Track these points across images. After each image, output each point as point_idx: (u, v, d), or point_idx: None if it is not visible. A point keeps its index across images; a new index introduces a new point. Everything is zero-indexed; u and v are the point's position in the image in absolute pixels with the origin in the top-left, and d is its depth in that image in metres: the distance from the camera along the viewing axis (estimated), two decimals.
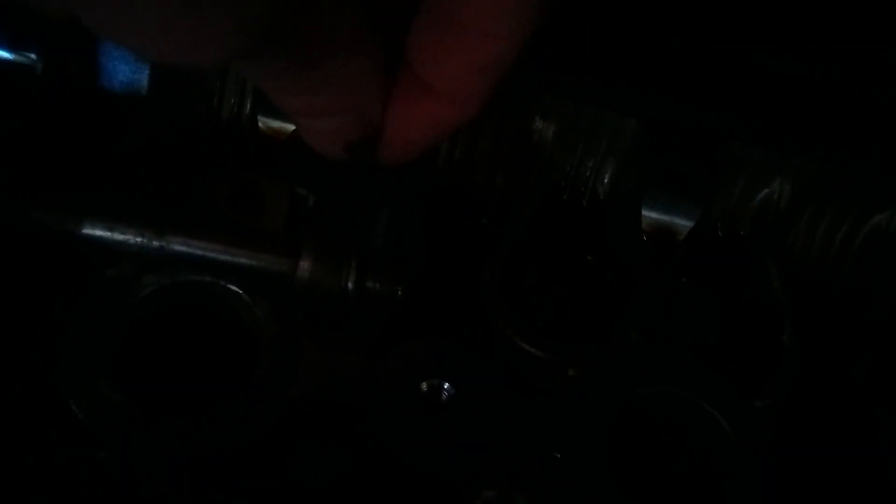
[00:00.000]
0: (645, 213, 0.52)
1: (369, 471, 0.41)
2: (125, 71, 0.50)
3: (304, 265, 0.38)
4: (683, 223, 0.54)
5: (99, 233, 0.38)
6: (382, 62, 0.34)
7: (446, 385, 0.41)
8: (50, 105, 0.48)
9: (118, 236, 0.38)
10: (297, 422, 0.40)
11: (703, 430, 0.43)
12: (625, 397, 0.42)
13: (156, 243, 0.38)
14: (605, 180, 0.52)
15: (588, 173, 0.52)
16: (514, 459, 0.41)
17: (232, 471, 0.38)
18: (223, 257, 0.38)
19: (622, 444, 0.41)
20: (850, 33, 0.53)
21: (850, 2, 0.53)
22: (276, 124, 0.56)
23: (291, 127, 0.53)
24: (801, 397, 0.47)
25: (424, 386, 0.41)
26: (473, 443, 0.39)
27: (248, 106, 0.53)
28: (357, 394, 0.40)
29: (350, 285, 0.38)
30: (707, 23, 0.55)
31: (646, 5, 0.55)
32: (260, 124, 0.54)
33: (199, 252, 0.38)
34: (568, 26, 0.55)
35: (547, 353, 0.45)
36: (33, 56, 0.47)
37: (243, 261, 0.39)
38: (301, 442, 0.41)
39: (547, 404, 0.41)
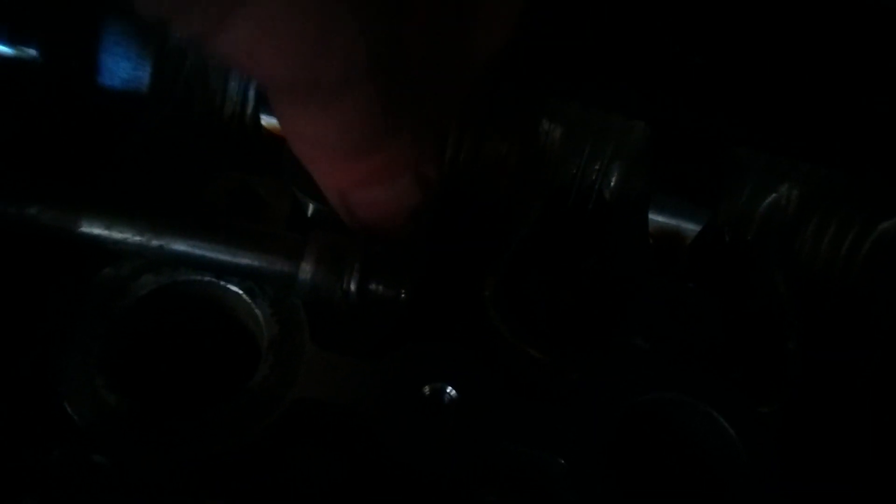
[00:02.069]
0: (651, 217, 0.52)
1: (370, 474, 0.40)
2: (126, 68, 0.49)
3: (306, 267, 0.37)
4: (690, 227, 0.53)
5: (97, 231, 0.37)
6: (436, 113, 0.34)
7: (449, 388, 0.40)
8: (49, 102, 0.47)
9: (116, 235, 0.37)
10: (297, 424, 0.39)
11: (707, 436, 0.42)
12: (629, 402, 0.41)
13: (155, 243, 0.37)
14: (612, 184, 0.51)
15: (594, 176, 0.52)
16: (517, 464, 0.40)
17: (231, 474, 0.38)
18: (223, 257, 0.38)
19: (626, 449, 0.40)
20: (859, 39, 0.53)
21: (860, 8, 0.52)
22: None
23: None
24: (807, 404, 0.46)
25: (427, 389, 0.40)
26: (476, 447, 0.39)
27: (251, 105, 0.52)
28: (358, 396, 0.39)
29: (352, 287, 0.38)
30: (714, 26, 0.54)
31: (653, 9, 0.55)
32: (263, 123, 0.54)
33: (199, 252, 0.37)
34: (576, 28, 0.55)
35: (550, 357, 0.45)
36: (33, 52, 0.47)
37: (244, 261, 0.38)
38: (301, 445, 0.40)
39: (550, 409, 0.40)
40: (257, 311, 0.41)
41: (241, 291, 0.41)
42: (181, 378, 0.42)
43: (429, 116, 0.33)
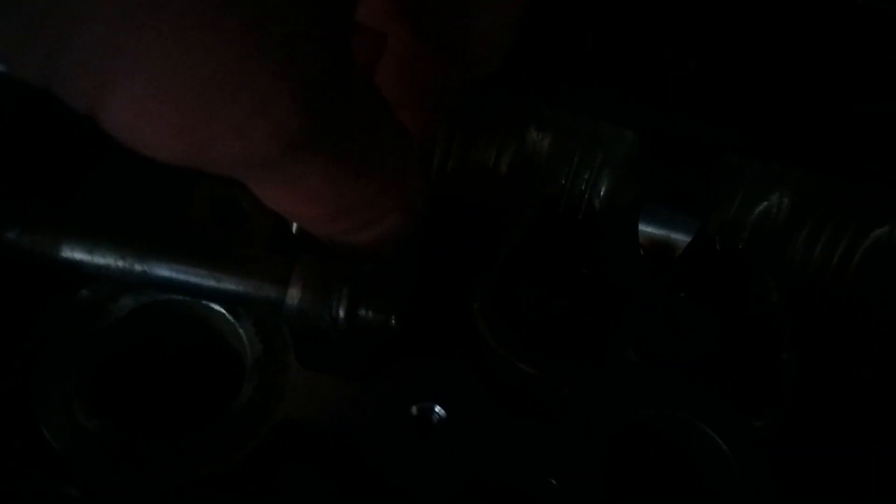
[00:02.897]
0: (641, 227, 0.51)
1: (356, 497, 0.39)
2: None
3: (293, 292, 0.36)
4: (681, 237, 0.52)
5: (78, 256, 0.36)
6: (414, 141, 0.32)
7: (437, 408, 0.39)
8: (24, 114, 0.46)
9: (98, 260, 0.36)
10: (281, 447, 0.39)
11: (700, 452, 0.42)
12: (621, 419, 0.41)
13: (138, 268, 0.36)
14: (602, 192, 0.51)
15: (584, 185, 0.51)
16: (508, 485, 0.39)
17: (214, 499, 0.37)
18: (209, 283, 0.36)
19: (619, 467, 0.40)
20: (852, 45, 0.52)
21: (851, 12, 0.52)
22: None
23: None
24: (802, 415, 0.46)
25: (415, 409, 0.39)
26: (466, 468, 0.38)
27: None
28: (344, 417, 0.38)
29: (341, 314, 0.36)
30: (707, 31, 0.54)
31: (643, 15, 0.54)
32: None
33: (184, 277, 0.36)
34: (566, 34, 0.54)
35: (541, 371, 0.44)
36: None
37: (230, 287, 0.36)
38: (286, 468, 0.39)
39: (541, 427, 0.40)
40: (241, 330, 0.40)
41: (224, 310, 0.40)
42: (164, 400, 0.41)
43: (409, 149, 0.32)
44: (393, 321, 0.37)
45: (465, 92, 0.35)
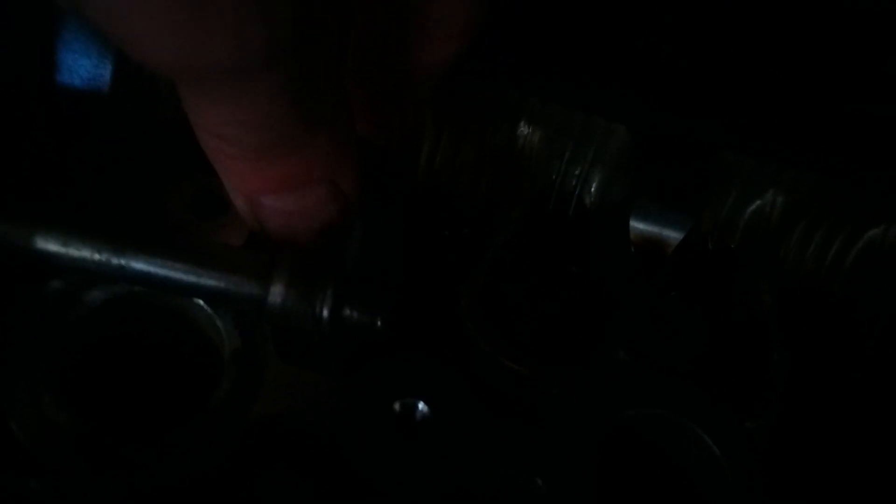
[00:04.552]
0: (633, 224, 0.50)
1: (336, 497, 0.38)
2: (86, 66, 0.47)
3: (277, 290, 0.35)
4: (673, 235, 0.52)
5: (53, 248, 0.34)
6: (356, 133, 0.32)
7: (421, 404, 0.38)
8: (2, 103, 0.45)
9: (73, 253, 0.34)
10: (260, 444, 0.37)
11: (691, 454, 0.41)
12: (611, 419, 0.40)
13: (115, 262, 0.34)
14: (593, 189, 0.50)
15: (574, 182, 0.50)
16: (493, 486, 0.38)
17: (188, 500, 0.35)
18: (188, 278, 0.35)
19: (608, 468, 0.39)
20: (848, 43, 0.51)
21: (848, 13, 0.51)
22: None
23: None
24: (793, 417, 0.45)
25: (397, 405, 0.38)
26: (450, 467, 0.37)
27: None
28: (325, 413, 0.37)
29: (325, 314, 0.35)
30: (702, 28, 0.53)
31: (638, 13, 0.53)
32: None
33: (162, 272, 0.35)
34: (557, 29, 0.53)
35: (530, 370, 0.43)
36: None
37: (210, 282, 0.35)
38: (264, 467, 0.38)
39: (529, 426, 0.39)
40: (218, 322, 0.39)
41: (201, 301, 0.39)
42: (137, 394, 0.39)
43: (350, 126, 0.31)
44: (379, 323, 0.36)
45: (440, 73, 0.34)
